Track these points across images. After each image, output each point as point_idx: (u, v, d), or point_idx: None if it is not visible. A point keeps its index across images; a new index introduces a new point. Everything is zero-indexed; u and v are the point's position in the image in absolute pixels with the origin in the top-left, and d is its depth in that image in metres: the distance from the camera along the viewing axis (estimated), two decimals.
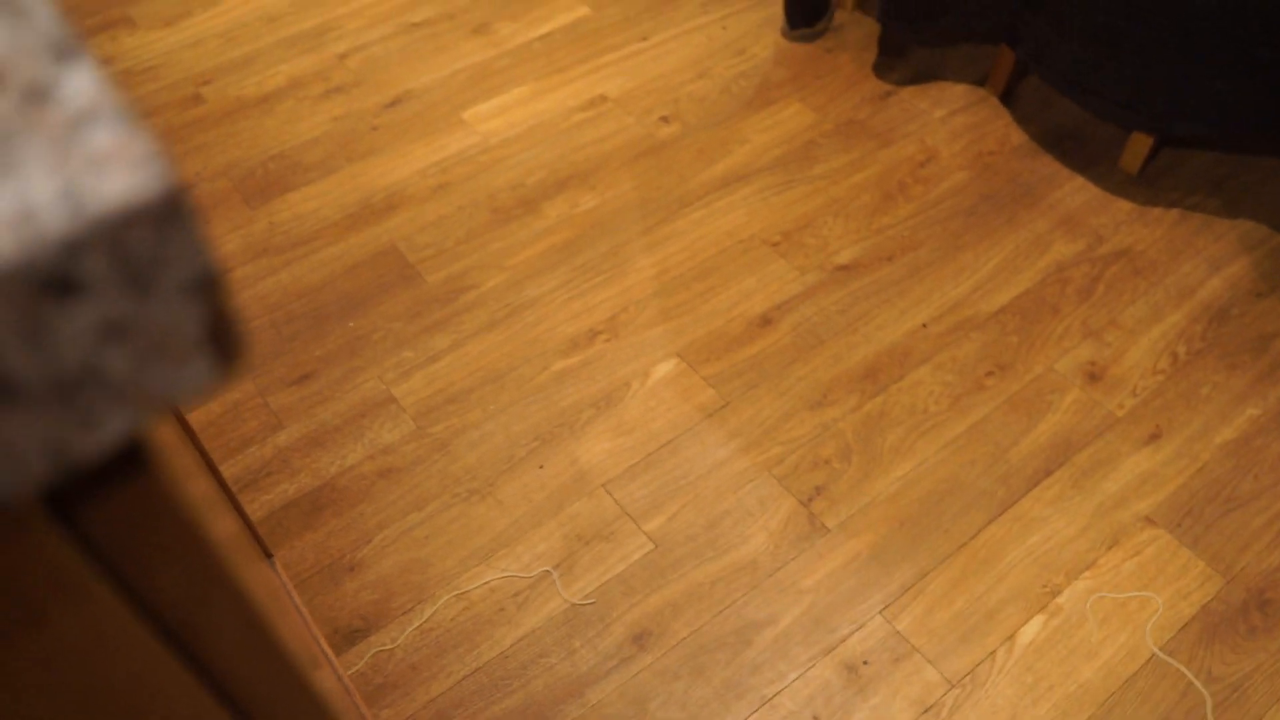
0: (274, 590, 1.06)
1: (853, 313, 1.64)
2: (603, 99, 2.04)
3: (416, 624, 1.33)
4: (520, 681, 1.27)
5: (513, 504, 1.43)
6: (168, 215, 0.19)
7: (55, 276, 0.18)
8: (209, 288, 0.20)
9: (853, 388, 1.54)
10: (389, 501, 1.45)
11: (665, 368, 1.57)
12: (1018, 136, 1.93)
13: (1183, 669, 1.27)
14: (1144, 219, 1.77)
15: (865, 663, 1.28)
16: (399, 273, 1.73)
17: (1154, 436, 1.48)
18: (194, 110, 2.08)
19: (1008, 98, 2.01)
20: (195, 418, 1.55)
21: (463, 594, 1.35)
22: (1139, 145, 1.82)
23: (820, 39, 2.15)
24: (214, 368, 0.21)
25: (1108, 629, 1.30)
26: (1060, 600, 1.33)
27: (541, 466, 1.47)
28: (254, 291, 1.72)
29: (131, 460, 0.22)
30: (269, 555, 1.20)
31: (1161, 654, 1.28)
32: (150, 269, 0.19)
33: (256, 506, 1.45)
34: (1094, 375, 1.55)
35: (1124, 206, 1.79)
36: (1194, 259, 1.71)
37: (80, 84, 0.20)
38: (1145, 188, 1.83)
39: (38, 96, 0.19)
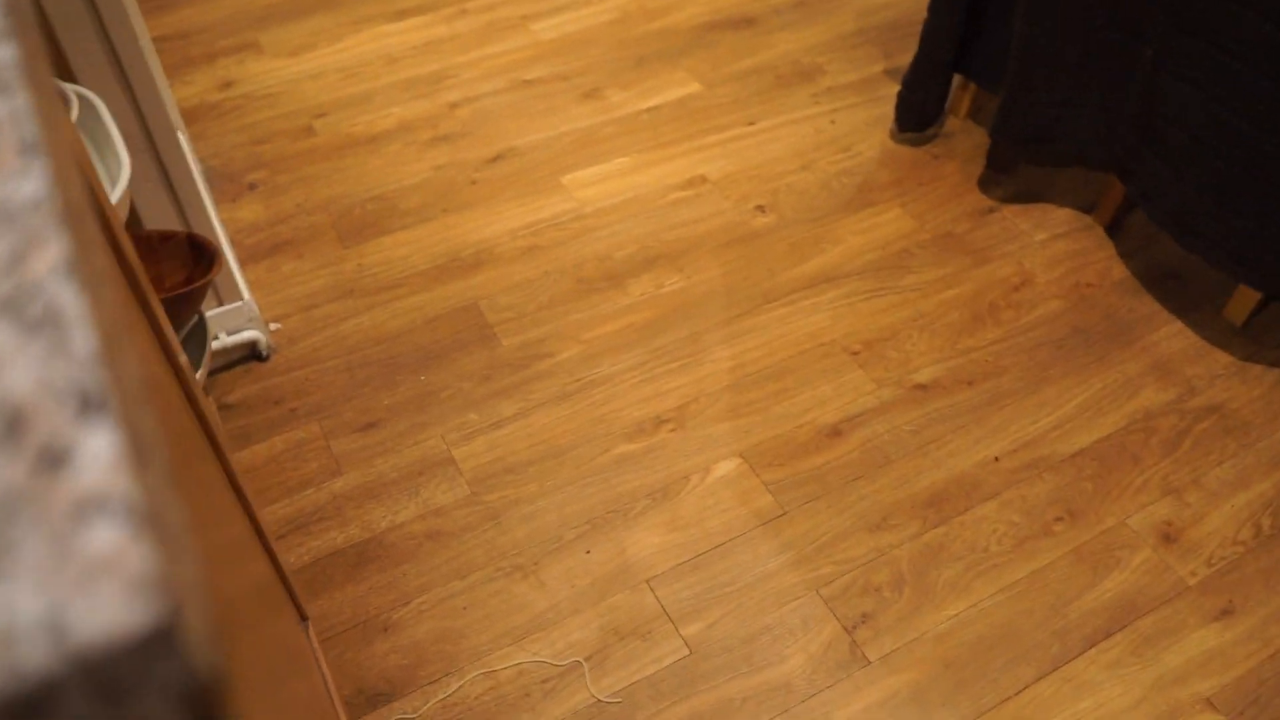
0: (298, 651, 1.06)
1: (925, 435, 1.60)
2: (702, 180, 2.04)
3: (441, 696, 1.32)
4: None
5: (555, 586, 1.42)
6: (156, 646, 0.18)
7: (25, 708, 0.17)
8: (195, 697, 0.19)
9: (915, 514, 1.51)
10: (433, 565, 1.45)
11: (727, 467, 1.56)
12: (1119, 270, 1.88)
13: None
14: (1243, 375, 1.71)
15: None
16: (477, 332, 1.75)
17: (1226, 612, 1.42)
18: (305, 141, 2.13)
19: (1114, 228, 1.96)
20: (258, 451, 1.58)
21: (491, 672, 1.34)
22: (1246, 296, 1.76)
23: (929, 144, 2.13)
24: None
25: None
26: None
27: (589, 551, 1.46)
28: (334, 332, 1.75)
29: None
30: (304, 618, 1.20)
31: None
32: (130, 689, 0.18)
33: (304, 551, 1.46)
34: (1169, 536, 1.49)
35: (1223, 359, 1.73)
36: None
37: (97, 449, 0.19)
38: (1248, 341, 1.76)
39: (52, 461, 0.19)
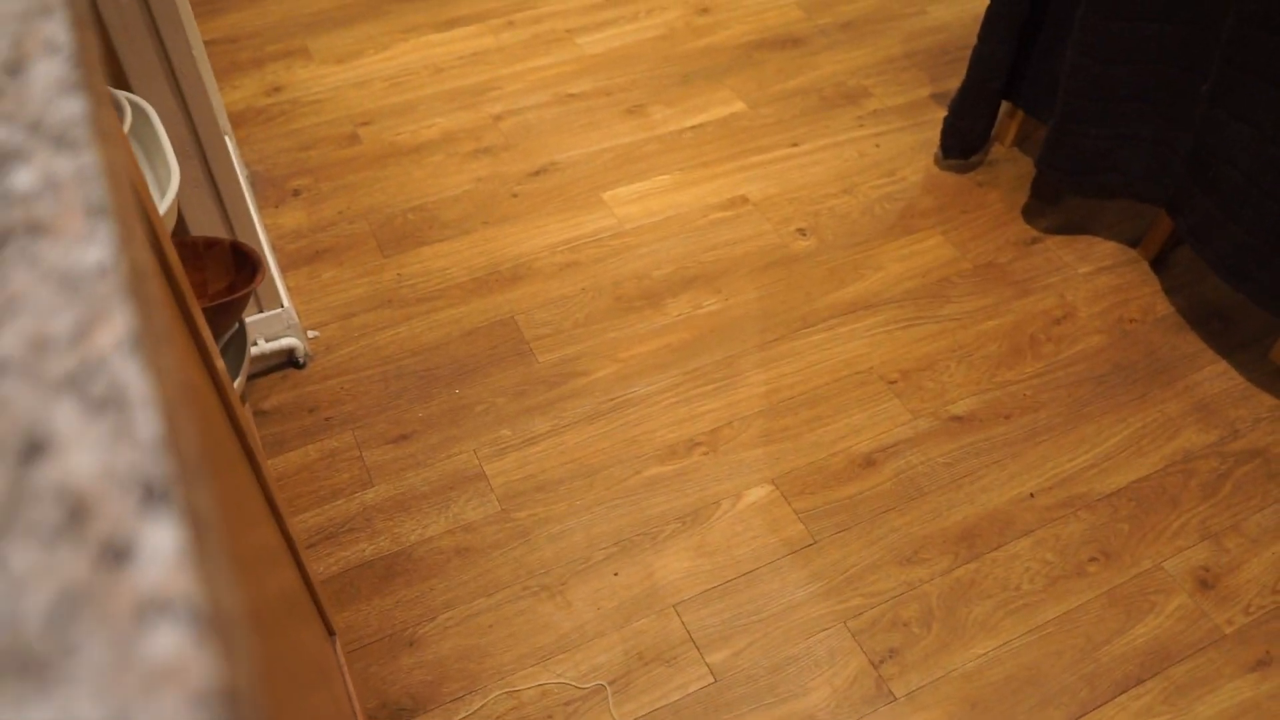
0: (324, 664, 1.06)
1: (960, 468, 1.59)
2: (743, 200, 2.03)
3: (463, 714, 1.32)
4: None
5: (581, 608, 1.42)
6: None
7: None
8: None
9: (947, 549, 1.49)
10: (461, 581, 1.45)
11: (758, 493, 1.55)
12: (1163, 307, 1.85)
13: None
14: None
15: None
16: (513, 347, 1.75)
17: (1263, 664, 1.39)
18: (349, 149, 2.14)
19: (1159, 264, 1.94)
20: (292, 459, 1.59)
21: (514, 692, 1.34)
22: None
23: (973, 171, 2.11)
24: None
25: None
26: None
27: (616, 574, 1.46)
28: (371, 341, 1.76)
29: None
30: (332, 633, 1.21)
31: None
32: None
33: (332, 561, 1.47)
34: (1206, 583, 1.47)
35: (1267, 401, 1.70)
36: None
37: (160, 544, 0.19)
38: None
39: (116, 556, 0.19)
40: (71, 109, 0.31)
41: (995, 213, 2.03)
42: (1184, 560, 1.49)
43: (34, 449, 0.21)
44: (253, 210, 1.74)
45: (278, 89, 2.31)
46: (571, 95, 2.29)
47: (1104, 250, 1.96)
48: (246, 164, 2.09)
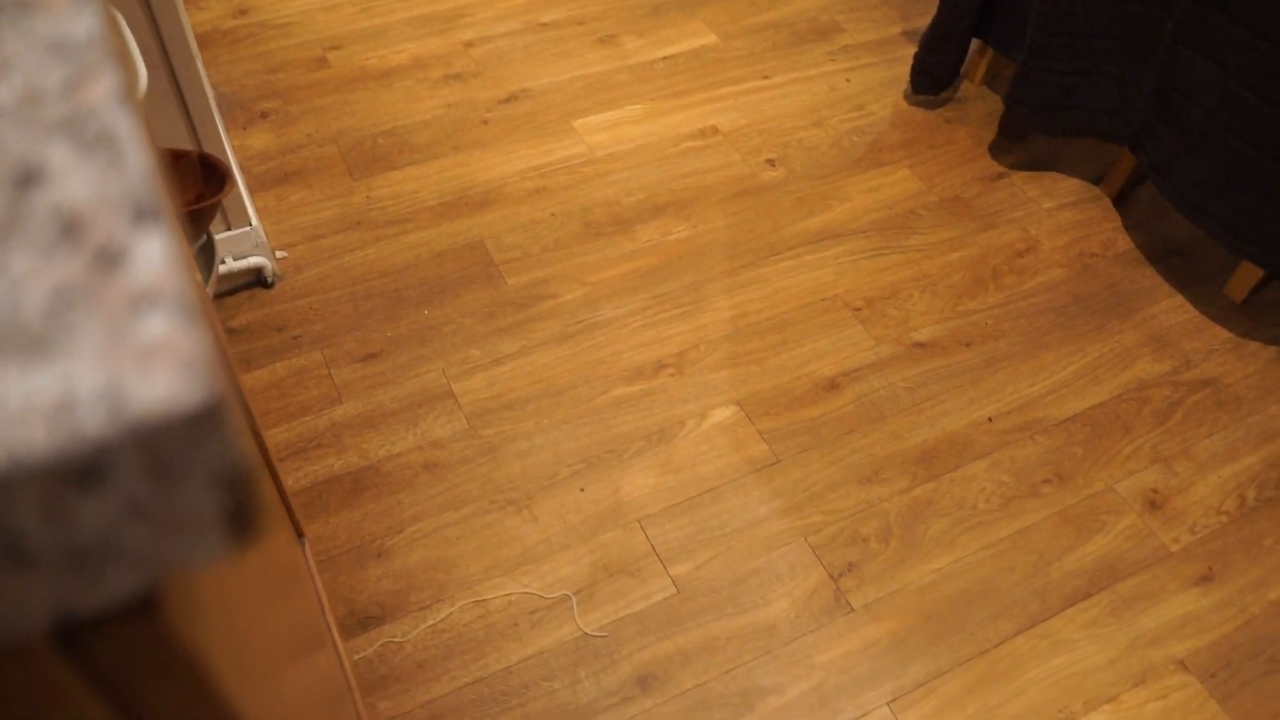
0: (295, 566, 1.08)
1: (920, 393, 1.62)
2: (714, 131, 2.04)
3: (430, 622, 1.34)
4: (519, 700, 1.28)
5: (547, 521, 1.44)
6: (204, 422, 0.19)
7: (85, 470, 0.19)
8: (234, 481, 0.21)
9: (905, 469, 1.53)
10: (428, 495, 1.47)
11: (723, 414, 1.57)
12: (1124, 242, 1.88)
13: None
14: (1239, 351, 1.72)
15: None
16: (482, 270, 1.76)
17: (1205, 579, 1.44)
18: (318, 73, 2.13)
19: (1121, 201, 1.97)
20: (260, 376, 1.59)
21: (481, 601, 1.36)
22: (1248, 274, 1.77)
23: (942, 108, 2.13)
24: (230, 543, 0.22)
25: None
26: None
27: (582, 489, 1.48)
28: (340, 262, 1.76)
29: (142, 604, 0.23)
30: (301, 535, 1.22)
31: None
32: (178, 465, 0.20)
33: (301, 475, 1.48)
34: (1154, 504, 1.52)
35: (1220, 334, 1.75)
36: None
37: (151, 254, 0.20)
38: (1247, 318, 1.78)
39: (109, 260, 0.20)
40: None
41: (962, 148, 2.05)
42: (1134, 483, 1.54)
43: (30, 178, 0.23)
44: (221, 131, 1.72)
45: (245, 11, 2.27)
46: (543, 24, 2.28)
47: (1068, 187, 1.99)
48: (214, 86, 2.07)
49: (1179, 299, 1.80)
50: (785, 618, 1.37)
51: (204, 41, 2.19)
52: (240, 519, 0.21)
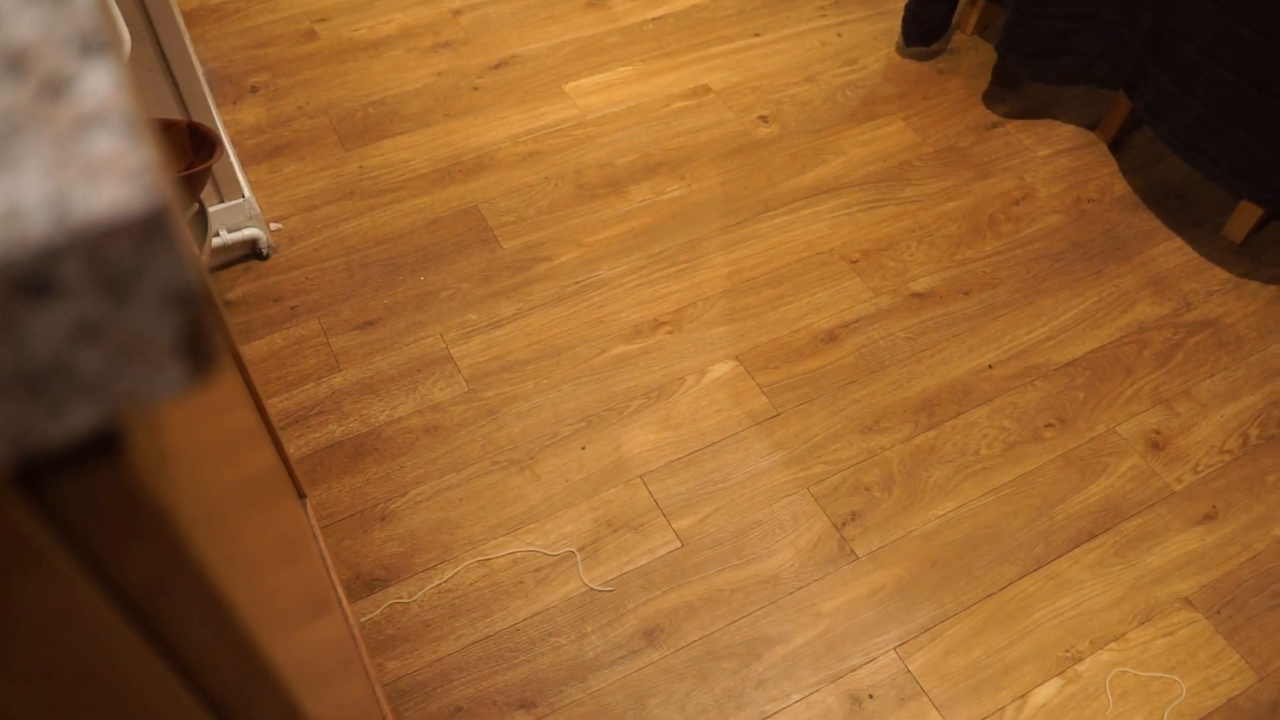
0: (299, 530, 1.08)
1: (920, 342, 1.61)
2: (705, 90, 2.03)
3: (436, 583, 1.35)
4: (526, 656, 1.29)
5: (550, 480, 1.44)
6: (151, 231, 0.19)
7: (31, 277, 0.18)
8: (186, 301, 0.20)
9: (907, 418, 1.52)
10: (430, 459, 1.47)
11: (722, 369, 1.57)
12: (1120, 187, 1.87)
13: None
14: (1239, 291, 1.72)
15: (870, 696, 1.26)
16: (477, 234, 1.75)
17: (1208, 517, 1.44)
18: (307, 45, 2.11)
19: (1117, 146, 1.95)
20: (259, 347, 1.59)
21: (486, 560, 1.37)
22: (1247, 214, 1.76)
23: (935, 59, 2.11)
24: (187, 374, 0.21)
25: (1124, 705, 1.27)
26: (1081, 668, 1.30)
27: (584, 448, 1.48)
28: (335, 232, 1.75)
29: (106, 445, 0.23)
30: (302, 495, 1.22)
31: None
32: (127, 279, 0.19)
33: (303, 443, 1.48)
34: (1157, 444, 1.51)
35: (1220, 275, 1.74)
36: None
37: (98, 82, 0.20)
38: (1246, 259, 1.77)
39: (55, 89, 0.20)
40: None
41: (956, 99, 2.03)
42: (1136, 424, 1.54)
43: None
44: (210, 103, 1.72)
45: None
46: None
47: (1063, 134, 1.98)
48: (202, 62, 2.06)
49: (1177, 241, 1.79)
50: (789, 567, 1.37)
51: (192, 18, 2.18)
52: (195, 348, 0.21)
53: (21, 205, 0.18)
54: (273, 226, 1.76)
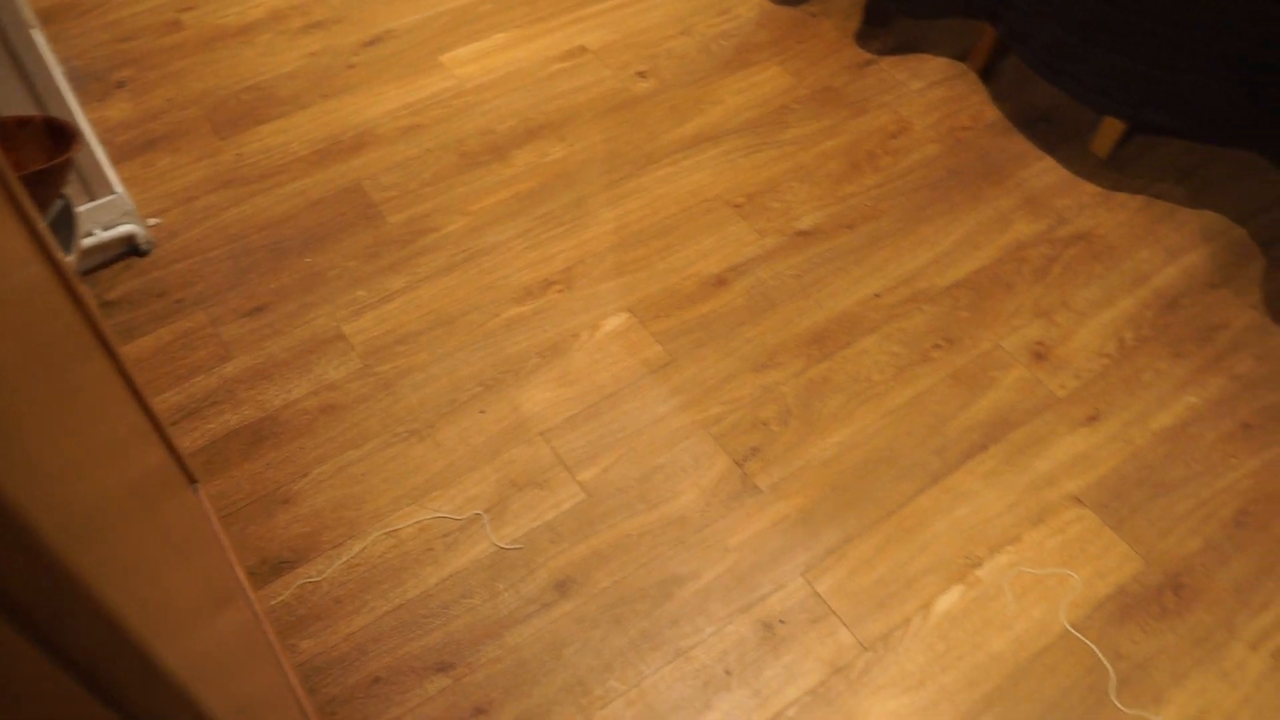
0: (194, 524, 1.07)
1: (807, 278, 1.64)
2: (582, 50, 2.03)
3: (345, 558, 1.34)
4: (441, 620, 1.29)
5: (451, 446, 1.45)
6: None
7: None
8: None
9: (799, 352, 1.55)
10: (329, 437, 1.46)
11: (615, 321, 1.58)
12: (992, 113, 1.92)
13: (1092, 646, 1.29)
14: (1108, 203, 1.77)
15: (782, 621, 1.29)
16: (361, 211, 1.74)
17: (1092, 419, 1.50)
18: (173, 36, 2.07)
19: (987, 74, 2.00)
20: (145, 344, 1.56)
21: (393, 532, 1.37)
22: (1110, 130, 1.82)
23: (806, 4, 2.14)
24: None
25: (1024, 603, 1.32)
26: (980, 572, 1.34)
27: (483, 411, 1.48)
28: (216, 222, 1.73)
29: None
30: (193, 480, 1.21)
31: (1073, 630, 1.30)
32: None
33: (198, 435, 1.46)
34: (1040, 355, 1.56)
35: (1090, 190, 1.79)
36: (1153, 246, 1.71)
37: None
38: (1113, 172, 1.83)
39: None
40: None
41: (829, 41, 2.06)
42: (1020, 338, 1.58)
43: None
44: (70, 99, 1.67)
45: None
46: None
47: (934, 66, 2.02)
48: (63, 60, 2.01)
49: (1048, 161, 1.84)
50: (695, 507, 1.39)
51: (49, 15, 2.11)
52: None
53: None
54: (150, 222, 1.72)
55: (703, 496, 1.40)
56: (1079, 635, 1.30)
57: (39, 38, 1.63)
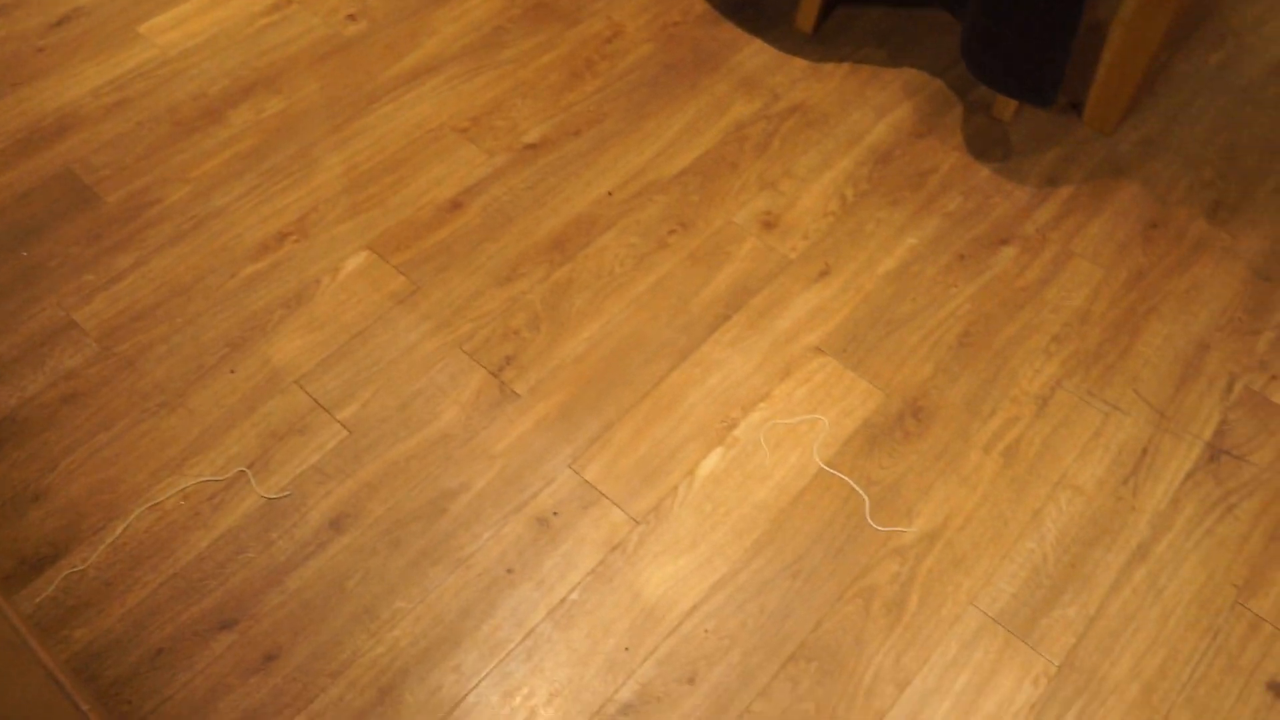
0: None
1: (540, 188, 1.67)
2: (287, 1, 1.98)
3: (109, 541, 1.31)
4: (218, 580, 1.28)
5: (204, 411, 1.42)
6: None
7: None
8: None
9: (540, 259, 1.58)
10: (74, 426, 1.41)
11: (356, 261, 1.58)
12: (700, 6, 1.98)
13: (845, 478, 1.38)
14: (817, 74, 1.86)
15: (555, 514, 1.34)
16: (75, 196, 1.66)
17: (823, 274, 1.59)
18: None
19: None
20: None
21: (156, 505, 1.34)
22: (810, 6, 1.90)
23: None
24: None
25: (780, 452, 1.40)
26: (737, 432, 1.42)
27: (233, 371, 1.46)
28: None
29: None
30: None
31: (826, 467, 1.39)
32: None
33: None
34: (769, 224, 1.64)
35: (799, 64, 1.88)
36: (862, 108, 1.81)
37: None
38: (819, 46, 1.92)
39: None
40: None
41: None
42: (749, 211, 1.66)
43: None
44: None
45: None
46: None
47: None
48: None
49: (758, 43, 1.91)
50: (457, 422, 1.41)
51: None
52: None
53: None
54: None
55: (464, 411, 1.42)
56: (833, 471, 1.39)
57: None
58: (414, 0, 1.98)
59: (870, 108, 1.81)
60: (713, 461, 1.39)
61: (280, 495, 1.35)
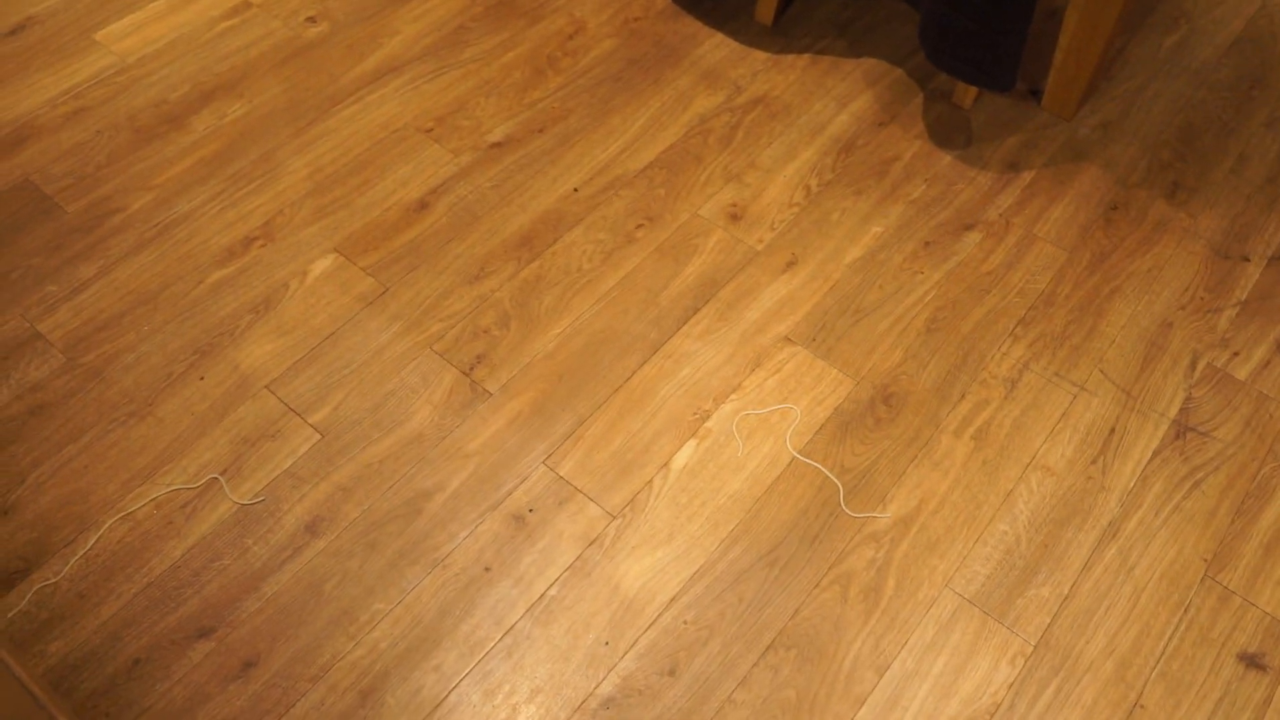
0: None
1: (506, 187, 1.67)
2: (246, 4, 1.97)
3: (81, 553, 1.30)
4: (194, 589, 1.27)
5: (174, 420, 1.41)
6: None
7: None
8: None
9: (508, 257, 1.58)
10: (42, 438, 1.40)
11: (323, 264, 1.57)
12: (661, 1, 1.98)
13: (819, 466, 1.39)
14: (778, 66, 1.87)
15: (531, 511, 1.34)
16: (35, 207, 1.65)
17: (790, 264, 1.60)
18: None
19: None
20: None
21: (128, 515, 1.33)
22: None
23: None
24: None
25: (752, 442, 1.41)
26: (709, 424, 1.42)
27: (202, 378, 1.45)
28: None
29: None
30: None
31: (800, 456, 1.40)
32: None
33: None
34: (735, 215, 1.65)
35: (760, 56, 1.89)
36: (824, 98, 1.83)
37: None
38: (779, 37, 1.93)
39: None
40: None
41: None
42: (715, 204, 1.66)
43: None
44: None
45: None
46: None
47: None
48: None
49: (719, 36, 1.92)
50: (430, 423, 1.41)
51: None
52: None
53: None
54: None
55: (436, 411, 1.42)
56: (806, 460, 1.40)
57: None
58: (375, 1, 1.97)
59: (832, 98, 1.83)
60: (686, 454, 1.40)
61: (254, 501, 1.34)
